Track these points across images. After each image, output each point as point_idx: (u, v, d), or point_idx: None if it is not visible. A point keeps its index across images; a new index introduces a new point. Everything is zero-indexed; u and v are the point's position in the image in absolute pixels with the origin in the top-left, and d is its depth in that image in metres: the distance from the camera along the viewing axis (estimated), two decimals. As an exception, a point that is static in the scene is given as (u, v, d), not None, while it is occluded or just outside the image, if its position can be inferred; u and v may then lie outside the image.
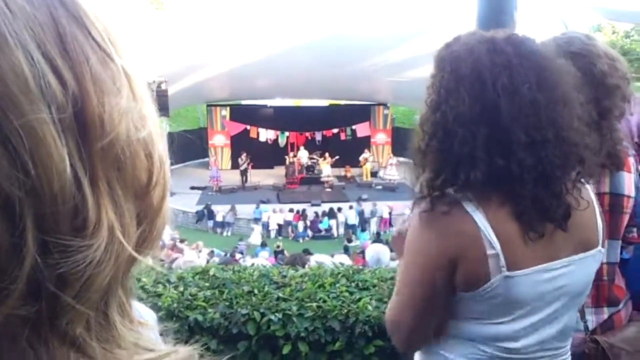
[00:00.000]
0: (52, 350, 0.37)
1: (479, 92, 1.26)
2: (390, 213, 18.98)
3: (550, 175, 1.28)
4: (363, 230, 18.92)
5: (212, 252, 13.20)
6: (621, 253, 1.94)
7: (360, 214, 19.30)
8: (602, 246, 1.43)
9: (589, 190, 1.42)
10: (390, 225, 18.46)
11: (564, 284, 1.36)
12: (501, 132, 1.25)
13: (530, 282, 1.32)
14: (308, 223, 19.43)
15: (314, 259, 5.60)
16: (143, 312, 1.67)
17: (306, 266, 4.38)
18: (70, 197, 0.35)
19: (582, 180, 1.37)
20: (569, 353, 1.47)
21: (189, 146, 23.68)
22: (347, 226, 19.19)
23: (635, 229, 1.94)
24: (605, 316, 1.86)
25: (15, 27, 0.33)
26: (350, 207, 19.65)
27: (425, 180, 1.33)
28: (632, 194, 1.85)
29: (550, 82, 1.28)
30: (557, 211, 1.30)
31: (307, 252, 10.62)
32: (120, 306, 0.42)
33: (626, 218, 1.86)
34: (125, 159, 0.39)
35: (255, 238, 17.78)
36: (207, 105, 24.44)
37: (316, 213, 19.76)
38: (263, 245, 15.81)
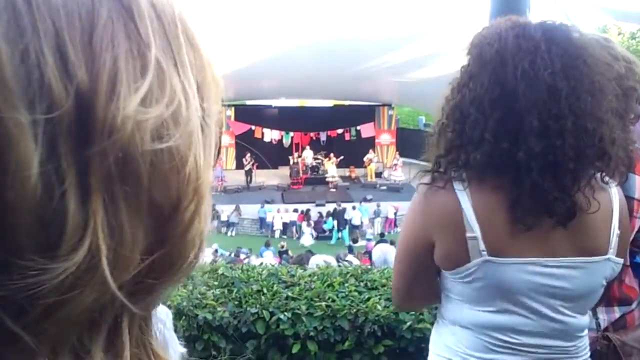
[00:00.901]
0: None
1: (500, 77, 1.25)
2: (395, 213, 18.98)
3: (561, 166, 1.24)
4: (339, 230, 19.04)
5: (216, 251, 13.21)
6: (635, 257, 1.94)
7: (339, 213, 19.34)
8: (620, 256, 1.37)
9: (613, 193, 1.37)
10: (396, 225, 18.46)
11: (562, 285, 1.33)
12: (514, 117, 1.24)
13: (517, 272, 1.30)
14: (312, 223, 19.42)
15: (314, 260, 5.57)
16: (160, 310, 1.66)
17: (307, 266, 4.37)
18: (37, 209, 0.29)
19: (604, 179, 1.33)
20: (585, 352, 1.45)
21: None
22: (352, 227, 19.18)
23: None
24: (617, 315, 1.85)
25: (25, 18, 0.30)
26: (354, 208, 19.64)
27: (435, 157, 1.36)
28: None
29: (579, 70, 1.24)
30: (561, 206, 1.26)
31: (309, 252, 10.64)
32: (109, 345, 0.35)
33: (637, 222, 1.86)
34: (136, 172, 0.32)
35: (307, 239, 17.65)
36: (212, 106, 24.38)
37: (320, 213, 19.76)
38: (267, 245, 15.81)
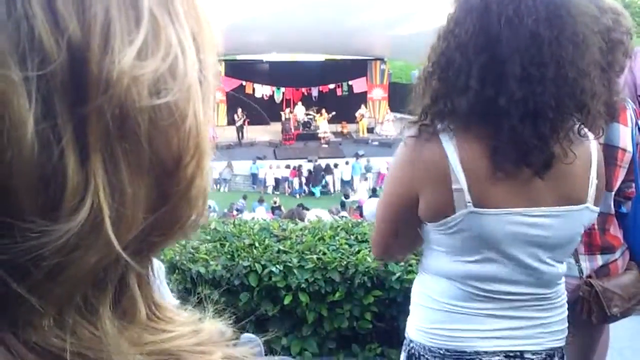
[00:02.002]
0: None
1: (484, 23, 1.25)
2: (387, 169, 19.04)
3: (541, 114, 1.25)
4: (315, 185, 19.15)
5: (210, 207, 13.28)
6: (620, 207, 1.97)
7: (317, 170, 19.41)
8: (595, 204, 1.39)
9: (592, 145, 1.39)
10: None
11: (544, 234, 1.35)
12: (498, 63, 1.24)
13: (501, 222, 1.32)
14: (304, 180, 19.51)
15: (312, 214, 5.65)
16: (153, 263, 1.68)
17: (305, 220, 4.42)
18: (35, 169, 0.29)
19: (582, 132, 1.34)
20: (562, 299, 1.49)
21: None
22: (343, 182, 19.29)
23: (633, 184, 1.96)
24: (600, 263, 1.90)
25: None
26: (347, 163, 19.70)
27: (422, 107, 1.35)
28: (629, 148, 1.86)
29: (563, 19, 1.25)
30: (538, 156, 1.28)
31: (302, 207, 10.72)
32: (116, 303, 0.35)
33: (620, 171, 1.88)
34: (135, 129, 0.31)
35: (362, 193, 17.57)
36: (202, 61, 24.02)
37: (310, 170, 19.82)
38: (260, 201, 15.90)
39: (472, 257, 1.37)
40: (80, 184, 0.30)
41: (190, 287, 3.01)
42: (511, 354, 1.41)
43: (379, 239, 1.51)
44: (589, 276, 1.89)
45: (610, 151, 1.84)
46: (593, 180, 1.38)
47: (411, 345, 1.50)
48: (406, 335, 1.54)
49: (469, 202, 1.30)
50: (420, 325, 1.48)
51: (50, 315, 0.32)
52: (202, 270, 2.98)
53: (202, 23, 0.38)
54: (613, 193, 1.91)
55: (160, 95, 0.32)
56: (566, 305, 1.50)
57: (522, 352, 1.42)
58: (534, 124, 1.26)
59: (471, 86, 1.25)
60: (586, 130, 1.35)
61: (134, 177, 0.32)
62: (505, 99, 1.24)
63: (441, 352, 1.43)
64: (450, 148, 1.31)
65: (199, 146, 0.35)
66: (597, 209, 1.41)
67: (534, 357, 1.43)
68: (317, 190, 19.31)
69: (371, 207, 6.82)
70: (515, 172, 1.29)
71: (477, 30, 1.25)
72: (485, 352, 1.40)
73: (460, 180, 1.30)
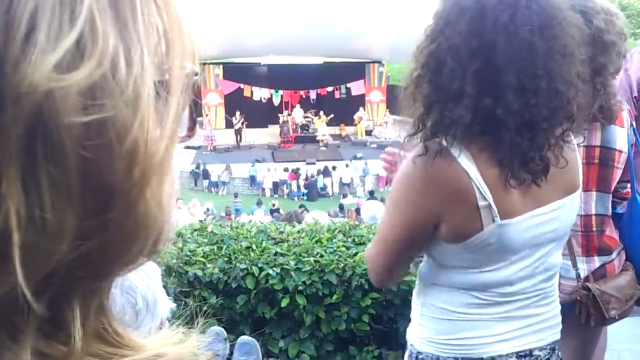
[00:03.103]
0: None
1: (478, 27, 1.21)
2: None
3: (536, 126, 1.24)
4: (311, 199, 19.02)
5: (208, 210, 13.27)
6: (615, 208, 1.97)
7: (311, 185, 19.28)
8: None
9: (573, 143, 1.40)
10: (387, 183, 18.57)
11: (552, 229, 1.37)
12: (493, 71, 1.21)
13: (521, 228, 1.32)
14: (302, 183, 19.51)
15: (311, 216, 5.63)
16: (148, 266, 1.66)
17: (303, 222, 4.42)
18: None
19: (567, 139, 1.34)
20: (556, 292, 1.49)
21: (183, 105, 23.42)
22: (342, 184, 19.30)
23: (628, 185, 1.96)
24: (597, 265, 1.90)
25: None
26: (347, 166, 19.70)
27: (417, 116, 1.30)
28: (624, 149, 1.86)
29: (555, 31, 1.23)
30: (537, 165, 1.28)
31: (303, 207, 10.73)
32: (49, 333, 0.32)
33: (617, 172, 1.88)
34: (61, 149, 0.28)
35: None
36: (200, 64, 23.96)
37: (310, 172, 19.83)
38: (259, 203, 15.90)
39: (493, 266, 1.35)
40: None
41: (187, 290, 3.00)
42: (522, 354, 1.42)
43: (384, 267, 1.45)
44: (586, 279, 1.88)
45: (608, 153, 1.85)
46: (580, 165, 1.42)
47: (420, 357, 1.47)
48: (411, 347, 1.51)
49: (496, 217, 1.28)
50: (430, 336, 1.45)
51: None
52: (199, 273, 2.97)
53: (178, 30, 0.34)
54: (610, 194, 1.91)
55: (91, 110, 0.28)
56: (558, 299, 1.51)
57: (531, 350, 1.43)
58: (530, 135, 1.25)
59: (467, 92, 1.22)
60: (572, 136, 1.37)
61: (59, 203, 0.28)
62: (502, 110, 1.22)
63: None
64: (467, 164, 1.26)
65: (147, 167, 0.31)
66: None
67: (540, 353, 1.44)
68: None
69: (369, 209, 6.82)
70: (520, 181, 1.29)
71: (471, 33, 1.22)
72: (500, 356, 1.40)
73: (486, 195, 1.27)
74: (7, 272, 0.28)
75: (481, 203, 1.27)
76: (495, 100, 1.22)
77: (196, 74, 0.37)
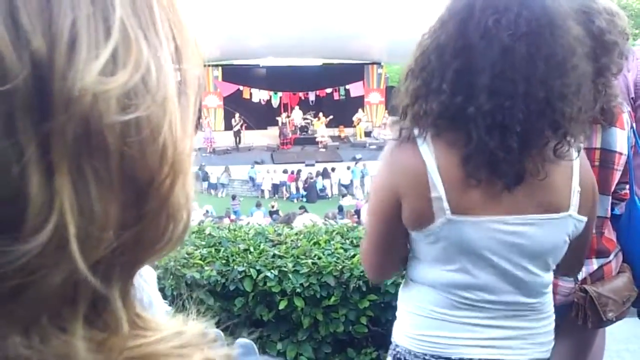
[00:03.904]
0: None
1: (463, 29, 1.26)
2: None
3: (508, 128, 1.25)
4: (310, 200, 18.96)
5: (207, 212, 13.28)
6: (613, 209, 1.97)
7: (311, 186, 19.27)
8: (582, 213, 1.38)
9: (572, 152, 1.36)
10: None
11: (523, 242, 1.34)
12: (470, 72, 1.25)
13: (479, 229, 1.32)
14: (300, 184, 19.51)
15: (301, 220, 5.59)
16: (144, 270, 1.66)
17: (294, 224, 4.41)
18: None
19: (557, 152, 1.30)
20: (548, 310, 1.47)
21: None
22: (341, 185, 19.31)
23: (627, 186, 1.96)
24: (595, 267, 1.90)
25: None
26: (348, 168, 19.72)
27: (402, 106, 1.37)
28: (624, 151, 1.86)
29: (542, 38, 1.25)
30: (508, 168, 1.27)
31: (303, 209, 10.74)
32: (94, 318, 0.34)
33: (617, 174, 1.88)
34: (103, 146, 0.30)
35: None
36: (199, 66, 24.09)
37: (310, 173, 19.83)
38: (258, 205, 15.90)
39: (454, 265, 1.36)
40: (44, 204, 0.29)
41: (184, 293, 2.99)
42: None
43: (372, 258, 1.49)
44: (583, 281, 1.88)
45: (608, 156, 1.84)
46: (575, 188, 1.37)
47: (397, 349, 1.51)
48: (392, 339, 1.54)
49: (447, 210, 1.30)
50: (406, 330, 1.48)
51: (16, 336, 0.31)
52: (197, 275, 2.96)
53: (185, 34, 0.37)
54: (610, 196, 1.91)
55: (129, 110, 0.31)
56: (553, 317, 1.49)
57: None
58: (501, 136, 1.25)
59: (443, 89, 1.27)
60: (565, 150, 1.32)
61: (104, 195, 0.31)
62: (473, 109, 1.25)
63: (426, 357, 1.43)
64: (427, 154, 1.31)
65: (175, 162, 0.34)
66: (584, 218, 1.39)
67: None
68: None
69: (368, 211, 6.81)
70: (487, 180, 1.29)
71: (456, 35, 1.27)
72: (471, 359, 1.40)
73: (438, 187, 1.30)
74: (65, 260, 0.30)
75: (433, 194, 1.30)
76: (468, 99, 1.26)
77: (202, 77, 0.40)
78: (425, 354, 1.43)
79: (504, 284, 1.37)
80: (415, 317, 1.46)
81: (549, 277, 1.44)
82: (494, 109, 1.24)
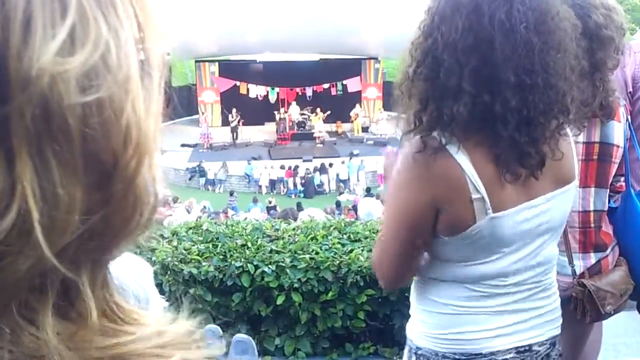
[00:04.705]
0: None
1: (474, 24, 1.22)
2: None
3: (533, 121, 1.26)
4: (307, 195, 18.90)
5: (204, 207, 13.26)
6: (609, 202, 1.97)
7: (308, 182, 19.28)
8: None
9: (568, 136, 1.41)
10: (385, 180, 18.55)
11: (546, 220, 1.37)
12: (490, 69, 1.22)
13: (514, 221, 1.33)
14: (298, 180, 19.49)
15: (306, 213, 5.62)
16: (139, 265, 1.65)
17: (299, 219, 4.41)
18: None
19: (562, 132, 1.34)
20: (555, 286, 1.50)
21: (178, 103, 23.43)
22: (339, 181, 19.30)
23: (622, 178, 1.96)
24: (593, 261, 1.90)
25: None
26: (343, 163, 19.70)
27: (413, 112, 1.31)
28: (621, 143, 1.87)
29: (549, 26, 1.24)
30: (534, 158, 1.29)
31: (299, 206, 10.72)
32: (64, 307, 0.33)
33: (614, 167, 1.88)
34: (64, 128, 0.29)
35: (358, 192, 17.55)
36: (196, 61, 24.05)
37: (307, 169, 19.81)
38: (255, 201, 15.88)
39: (486, 259, 1.36)
40: (4, 190, 0.28)
41: (182, 288, 2.99)
42: (521, 349, 1.42)
43: (390, 267, 1.43)
44: (581, 275, 1.88)
45: (606, 149, 1.85)
46: (576, 159, 1.43)
47: (419, 352, 1.46)
48: (409, 342, 1.50)
49: (489, 209, 1.30)
50: (428, 331, 1.45)
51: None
52: (194, 271, 2.97)
53: (148, 14, 0.36)
54: (608, 190, 1.91)
55: (90, 91, 0.30)
56: (557, 292, 1.51)
57: (530, 345, 1.43)
58: (528, 130, 1.26)
59: (465, 89, 1.22)
60: (567, 129, 1.37)
61: (68, 178, 0.30)
62: (500, 106, 1.23)
63: (456, 356, 1.41)
64: (463, 160, 1.28)
65: (140, 143, 0.33)
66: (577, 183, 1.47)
67: (540, 348, 1.44)
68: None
69: (366, 206, 6.82)
70: (516, 175, 1.30)
71: (466, 31, 1.22)
72: (499, 351, 1.40)
73: (479, 189, 1.29)
74: (30, 247, 0.30)
75: (475, 196, 1.29)
76: (493, 96, 1.23)
77: (168, 54, 0.38)
78: (455, 353, 1.41)
79: (532, 264, 1.39)
80: (438, 316, 1.43)
81: (556, 250, 1.47)
82: (519, 104, 1.23)
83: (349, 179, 19.43)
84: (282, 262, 2.98)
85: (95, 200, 0.32)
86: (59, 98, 0.29)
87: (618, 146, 1.86)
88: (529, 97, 1.23)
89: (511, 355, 1.40)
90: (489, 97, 1.23)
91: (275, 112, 23.67)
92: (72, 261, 0.32)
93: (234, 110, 22.36)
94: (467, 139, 1.28)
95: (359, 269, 2.92)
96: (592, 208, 1.88)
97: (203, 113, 23.85)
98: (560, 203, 1.40)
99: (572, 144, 1.43)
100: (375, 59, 24.66)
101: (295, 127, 23.44)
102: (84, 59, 0.30)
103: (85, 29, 0.30)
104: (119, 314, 0.37)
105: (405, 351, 1.53)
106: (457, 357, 1.41)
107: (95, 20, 0.31)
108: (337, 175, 19.50)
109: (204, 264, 3.02)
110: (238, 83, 23.68)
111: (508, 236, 1.34)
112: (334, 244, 3.14)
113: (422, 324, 1.47)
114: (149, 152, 0.34)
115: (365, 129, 23.89)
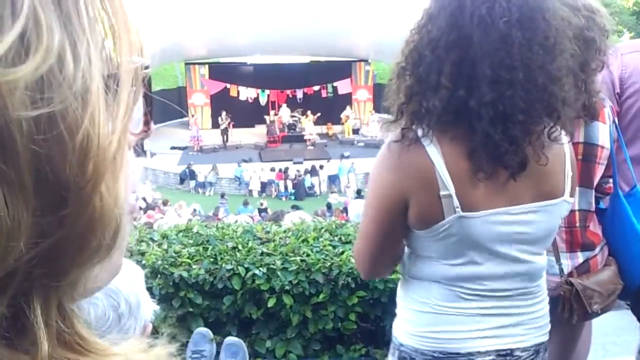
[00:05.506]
0: None
1: (457, 20, 1.24)
2: (371, 173, 19.04)
3: (510, 117, 1.25)
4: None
5: (195, 210, 13.21)
6: (598, 203, 1.99)
7: (299, 184, 19.27)
8: (571, 195, 1.42)
9: (563, 139, 1.40)
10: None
11: (525, 231, 1.37)
12: (468, 64, 1.24)
13: (486, 223, 1.33)
14: (289, 183, 19.47)
15: (289, 217, 5.55)
16: (131, 269, 1.64)
17: (282, 223, 4.39)
18: None
19: (552, 136, 1.33)
20: (543, 293, 1.50)
21: (168, 106, 23.32)
22: (330, 183, 19.31)
23: (611, 180, 1.98)
24: (580, 260, 1.91)
25: None
26: (328, 161, 19.71)
27: (397, 105, 1.34)
28: (607, 145, 1.88)
29: (536, 23, 1.24)
30: (513, 158, 1.28)
31: (295, 208, 10.73)
32: (14, 338, 0.31)
33: (600, 168, 1.90)
34: (8, 145, 0.27)
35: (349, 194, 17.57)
36: (186, 64, 23.98)
37: (298, 171, 19.80)
38: (245, 204, 15.84)
39: (461, 259, 1.37)
40: None
41: (172, 292, 2.98)
42: (502, 352, 1.42)
43: (369, 259, 1.47)
44: (570, 275, 1.90)
45: (590, 149, 1.86)
46: (568, 174, 1.41)
47: (401, 349, 1.48)
48: (394, 339, 1.52)
49: (457, 207, 1.30)
50: (410, 328, 1.47)
51: None
52: (185, 274, 2.95)
53: (122, 22, 0.33)
54: (593, 190, 1.92)
55: (39, 103, 0.27)
56: (547, 299, 1.52)
57: (512, 350, 1.43)
58: (504, 126, 1.26)
59: (443, 84, 1.25)
60: (557, 133, 1.35)
61: (13, 201, 0.27)
62: (475, 101, 1.24)
63: (434, 354, 1.42)
64: (434, 154, 1.30)
65: (99, 162, 0.30)
66: (572, 199, 1.45)
67: (523, 354, 1.44)
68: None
69: (356, 208, 6.83)
70: (493, 173, 1.30)
71: (449, 27, 1.25)
72: (479, 352, 1.40)
73: (448, 186, 1.29)
74: None
75: (443, 192, 1.30)
76: (469, 91, 1.24)
77: (146, 67, 0.36)
78: (434, 352, 1.42)
79: (508, 270, 1.39)
80: (419, 315, 1.45)
81: (544, 259, 1.47)
82: (495, 100, 1.23)
83: (339, 180, 19.45)
84: (273, 264, 2.97)
85: (48, 223, 0.29)
86: (3, 111, 0.26)
87: (603, 147, 1.87)
88: (506, 92, 1.23)
89: (491, 357, 1.41)
90: (464, 91, 1.24)
91: (266, 115, 23.66)
92: (19, 288, 0.29)
93: (224, 113, 22.32)
94: (443, 133, 1.30)
95: (350, 270, 2.92)
96: (577, 208, 1.89)
97: (193, 115, 23.78)
98: (544, 216, 1.38)
99: (567, 156, 1.41)
100: (366, 61, 24.72)
101: (286, 129, 23.43)
102: (33, 68, 0.27)
103: (38, 37, 0.28)
104: (81, 344, 0.34)
105: (390, 348, 1.55)
106: (435, 355, 1.42)
107: (49, 28, 0.28)
108: (328, 177, 19.51)
109: (194, 267, 3.00)
110: (228, 85, 23.64)
111: (480, 238, 1.34)
112: (325, 246, 3.14)
113: (405, 322, 1.49)
114: (111, 170, 0.32)
115: (355, 131, 23.93)
